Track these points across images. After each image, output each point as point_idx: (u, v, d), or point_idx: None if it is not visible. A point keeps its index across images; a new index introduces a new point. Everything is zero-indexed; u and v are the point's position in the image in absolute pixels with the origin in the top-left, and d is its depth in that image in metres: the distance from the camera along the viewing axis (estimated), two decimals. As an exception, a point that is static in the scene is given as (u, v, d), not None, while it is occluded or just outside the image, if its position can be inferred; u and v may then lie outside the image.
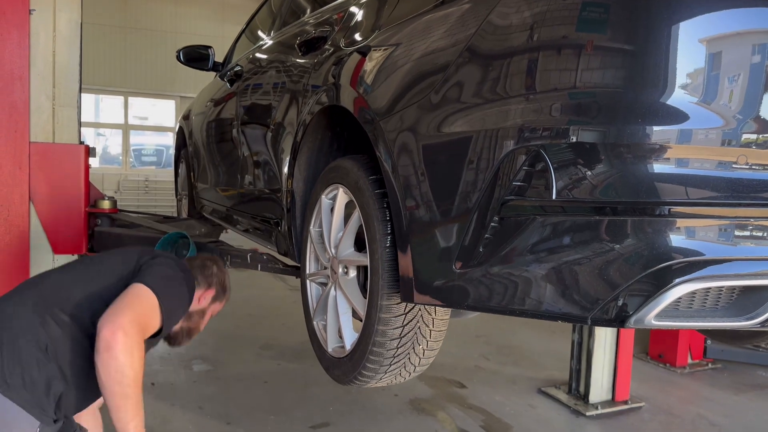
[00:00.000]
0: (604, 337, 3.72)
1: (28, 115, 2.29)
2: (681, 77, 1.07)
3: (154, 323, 1.71)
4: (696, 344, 4.45)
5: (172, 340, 2.00)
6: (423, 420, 3.37)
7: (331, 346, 1.83)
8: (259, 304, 5.15)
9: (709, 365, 4.47)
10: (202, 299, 2.01)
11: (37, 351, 1.54)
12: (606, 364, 3.74)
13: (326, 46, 2.09)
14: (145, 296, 1.67)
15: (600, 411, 3.61)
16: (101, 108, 13.20)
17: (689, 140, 1.07)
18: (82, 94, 2.55)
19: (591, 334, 3.71)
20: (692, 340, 4.41)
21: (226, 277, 2.14)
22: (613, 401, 3.74)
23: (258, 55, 2.98)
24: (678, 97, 1.07)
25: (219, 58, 3.52)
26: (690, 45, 1.08)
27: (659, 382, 4.19)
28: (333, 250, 1.85)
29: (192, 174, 3.93)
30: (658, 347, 4.53)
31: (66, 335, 1.59)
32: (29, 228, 2.29)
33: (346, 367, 1.71)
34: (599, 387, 3.73)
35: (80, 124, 2.44)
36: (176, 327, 1.94)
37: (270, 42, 2.90)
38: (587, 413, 3.57)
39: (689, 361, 4.45)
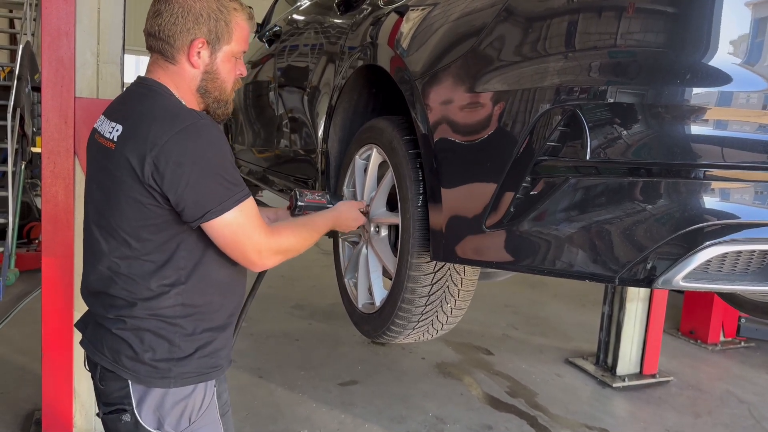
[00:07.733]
0: (634, 310, 3.69)
1: (74, 70, 2.34)
2: (725, 38, 1.05)
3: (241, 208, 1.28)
4: (729, 322, 4.37)
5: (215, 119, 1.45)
6: (449, 383, 3.43)
7: (361, 302, 1.88)
8: (291, 266, 5.23)
9: (742, 344, 4.40)
10: (194, 60, 1.36)
11: None
12: (635, 337, 3.73)
13: (364, 6, 2.08)
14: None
15: (627, 383, 3.61)
16: (141, 70, 13.39)
17: (730, 102, 1.05)
18: (124, 54, 2.59)
19: (621, 307, 3.69)
20: (725, 318, 4.33)
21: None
22: (640, 374, 3.73)
23: (296, 16, 2.98)
24: (722, 59, 1.05)
25: (258, 19, 3.52)
26: (736, 6, 1.06)
27: (689, 357, 4.15)
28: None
29: (229, 135, 3.98)
30: (689, 323, 4.48)
31: None
32: (74, 180, 2.36)
33: (376, 323, 1.75)
34: (627, 359, 3.72)
35: (123, 82, 2.49)
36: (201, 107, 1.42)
37: (308, 2, 2.90)
38: (614, 384, 3.58)
39: (721, 338, 4.38)
